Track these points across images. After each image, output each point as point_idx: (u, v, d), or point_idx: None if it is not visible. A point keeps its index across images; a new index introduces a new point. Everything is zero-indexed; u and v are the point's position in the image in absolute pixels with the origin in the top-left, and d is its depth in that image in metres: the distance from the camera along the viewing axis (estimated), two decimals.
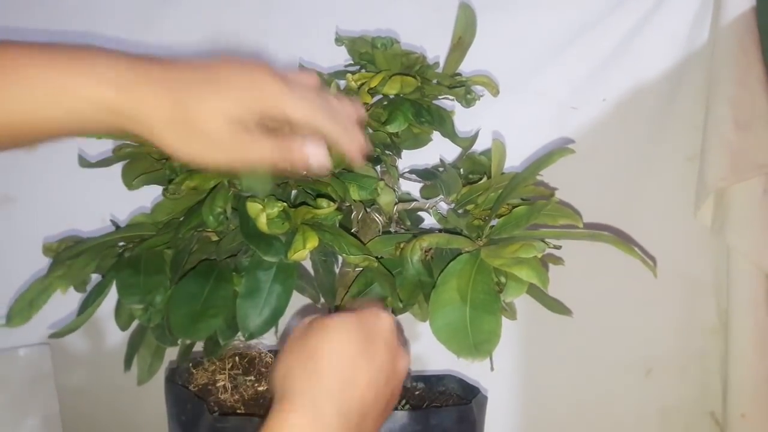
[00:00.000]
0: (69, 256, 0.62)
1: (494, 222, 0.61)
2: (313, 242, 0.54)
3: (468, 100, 0.69)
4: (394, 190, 0.72)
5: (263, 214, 0.54)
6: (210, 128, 0.44)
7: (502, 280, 0.53)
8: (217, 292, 0.57)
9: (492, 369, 0.54)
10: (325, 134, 0.48)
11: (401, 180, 0.74)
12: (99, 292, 0.62)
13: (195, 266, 0.59)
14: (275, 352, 0.78)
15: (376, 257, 0.59)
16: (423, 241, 0.54)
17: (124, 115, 0.43)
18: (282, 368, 0.46)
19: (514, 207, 0.62)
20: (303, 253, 0.53)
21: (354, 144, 0.49)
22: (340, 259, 0.69)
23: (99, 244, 0.64)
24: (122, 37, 0.92)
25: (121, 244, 0.66)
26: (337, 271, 0.71)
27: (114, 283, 0.60)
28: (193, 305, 0.56)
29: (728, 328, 0.88)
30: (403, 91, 0.63)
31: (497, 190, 0.63)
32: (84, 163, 0.68)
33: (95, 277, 0.64)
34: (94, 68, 0.43)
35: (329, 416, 0.43)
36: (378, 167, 0.72)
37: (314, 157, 0.47)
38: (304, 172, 0.48)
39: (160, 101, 0.43)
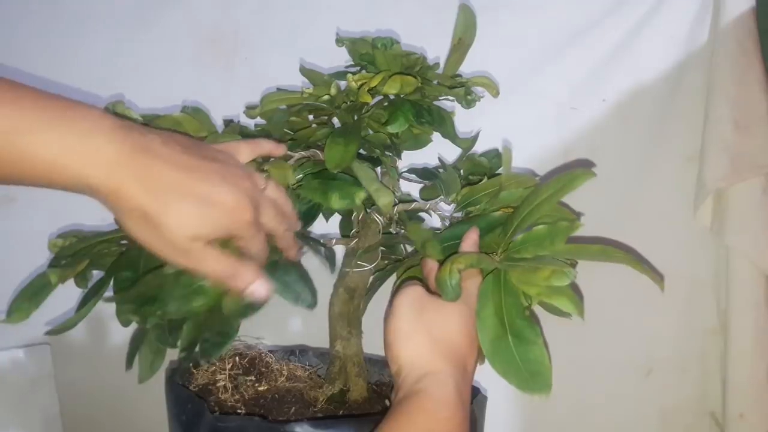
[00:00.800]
0: (70, 253, 0.62)
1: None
2: None
3: (468, 101, 0.69)
4: (394, 192, 0.72)
5: None
6: (173, 238, 0.47)
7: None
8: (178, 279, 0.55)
9: (481, 363, 0.55)
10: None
11: (401, 181, 0.74)
12: (97, 289, 0.62)
13: None
14: (275, 353, 0.78)
15: None
16: (459, 264, 0.53)
17: (100, 195, 0.45)
18: (410, 349, 0.52)
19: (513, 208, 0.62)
20: None
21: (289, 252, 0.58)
22: (339, 262, 0.70)
23: (100, 242, 0.64)
24: (122, 37, 0.93)
25: (123, 242, 0.66)
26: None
27: (113, 281, 0.60)
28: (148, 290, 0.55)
29: (728, 328, 0.88)
30: (403, 90, 0.63)
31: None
32: None
33: (96, 275, 0.64)
34: (95, 146, 0.43)
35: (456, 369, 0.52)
36: (378, 168, 0.72)
37: (256, 291, 0.51)
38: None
39: (140, 200, 0.45)
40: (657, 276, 0.55)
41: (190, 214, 0.47)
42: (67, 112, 0.43)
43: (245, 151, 0.56)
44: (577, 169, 0.56)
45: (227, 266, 0.50)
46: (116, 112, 0.60)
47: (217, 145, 0.55)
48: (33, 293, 0.60)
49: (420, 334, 0.52)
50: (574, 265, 0.55)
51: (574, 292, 0.51)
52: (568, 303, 0.50)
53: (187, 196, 0.47)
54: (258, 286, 0.51)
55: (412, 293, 0.55)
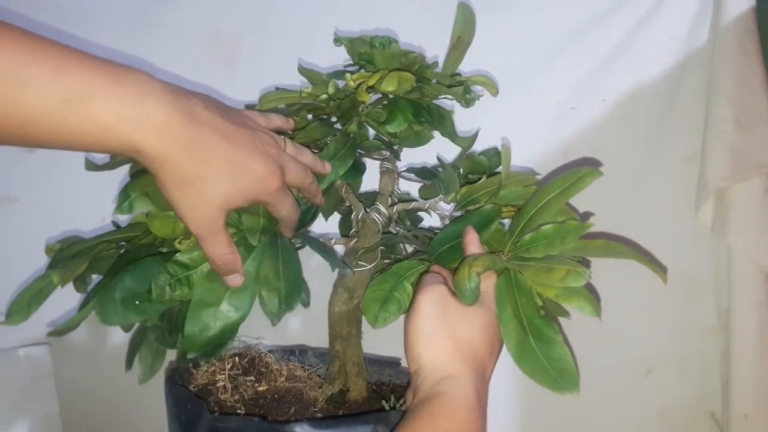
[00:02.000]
0: (68, 255, 0.62)
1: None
2: None
3: (467, 99, 0.69)
4: (394, 191, 0.72)
5: None
6: (208, 206, 0.49)
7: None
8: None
9: None
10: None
11: (400, 179, 0.74)
12: (98, 290, 0.62)
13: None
14: (274, 353, 0.78)
15: None
16: (477, 267, 0.53)
17: (147, 160, 0.46)
18: (432, 351, 0.52)
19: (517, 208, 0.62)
20: None
21: (315, 200, 0.62)
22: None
23: (99, 244, 0.64)
24: (122, 37, 0.93)
25: (122, 243, 0.66)
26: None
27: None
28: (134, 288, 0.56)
29: (730, 329, 0.88)
30: (401, 87, 0.63)
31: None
32: (90, 166, 0.68)
33: (96, 278, 0.64)
34: (146, 112, 0.44)
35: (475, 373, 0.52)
36: (379, 164, 0.72)
37: (231, 282, 0.56)
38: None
39: (184, 167, 0.47)
40: (660, 268, 0.55)
41: (226, 184, 0.49)
42: (120, 77, 0.44)
43: (261, 120, 0.58)
44: (584, 168, 0.56)
45: (231, 252, 0.53)
46: None
47: (241, 111, 0.57)
48: (33, 295, 0.60)
49: (443, 337, 0.52)
50: (587, 264, 0.55)
51: (590, 292, 0.51)
52: (586, 305, 0.50)
53: (225, 165, 0.48)
54: (235, 281, 0.55)
55: (437, 292, 0.54)
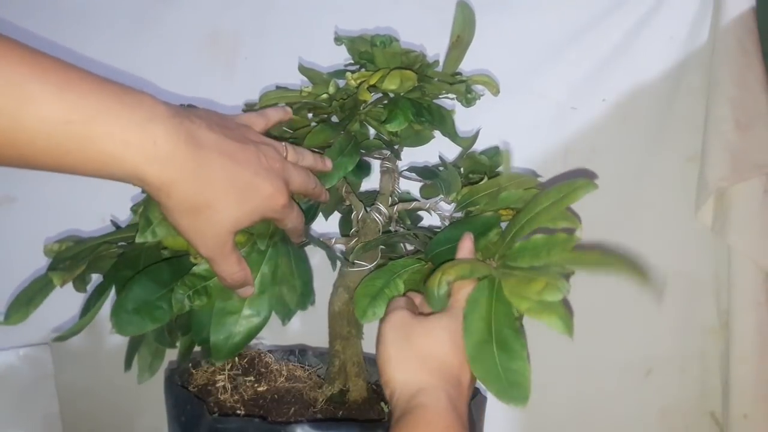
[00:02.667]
0: (68, 256, 0.62)
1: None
2: None
3: (468, 99, 0.69)
4: (394, 191, 0.72)
5: None
6: (217, 230, 0.49)
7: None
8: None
9: None
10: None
11: (401, 179, 0.74)
12: (100, 293, 0.62)
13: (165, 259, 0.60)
14: (274, 353, 0.78)
15: None
16: (448, 275, 0.53)
17: (152, 188, 0.45)
18: (401, 370, 0.52)
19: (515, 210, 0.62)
20: None
21: (321, 198, 0.61)
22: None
23: (99, 244, 0.64)
24: (121, 37, 0.93)
25: (121, 243, 0.66)
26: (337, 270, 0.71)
27: (114, 284, 0.60)
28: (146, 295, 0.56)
29: (729, 329, 0.88)
30: (403, 85, 0.63)
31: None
32: None
33: (96, 279, 0.64)
34: (152, 139, 0.43)
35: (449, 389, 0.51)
36: (380, 163, 0.72)
37: (243, 293, 0.57)
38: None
39: (190, 194, 0.46)
40: (656, 286, 0.54)
41: (233, 207, 0.49)
42: (124, 99, 0.42)
43: (259, 124, 0.57)
44: (579, 180, 0.56)
45: (242, 270, 0.54)
46: None
47: (239, 119, 0.56)
48: (31, 295, 0.60)
49: (409, 358, 0.52)
50: (568, 276, 0.54)
51: (566, 306, 0.50)
52: (557, 321, 0.48)
53: (232, 188, 0.48)
54: (249, 289, 0.57)
55: (396, 318, 0.55)
